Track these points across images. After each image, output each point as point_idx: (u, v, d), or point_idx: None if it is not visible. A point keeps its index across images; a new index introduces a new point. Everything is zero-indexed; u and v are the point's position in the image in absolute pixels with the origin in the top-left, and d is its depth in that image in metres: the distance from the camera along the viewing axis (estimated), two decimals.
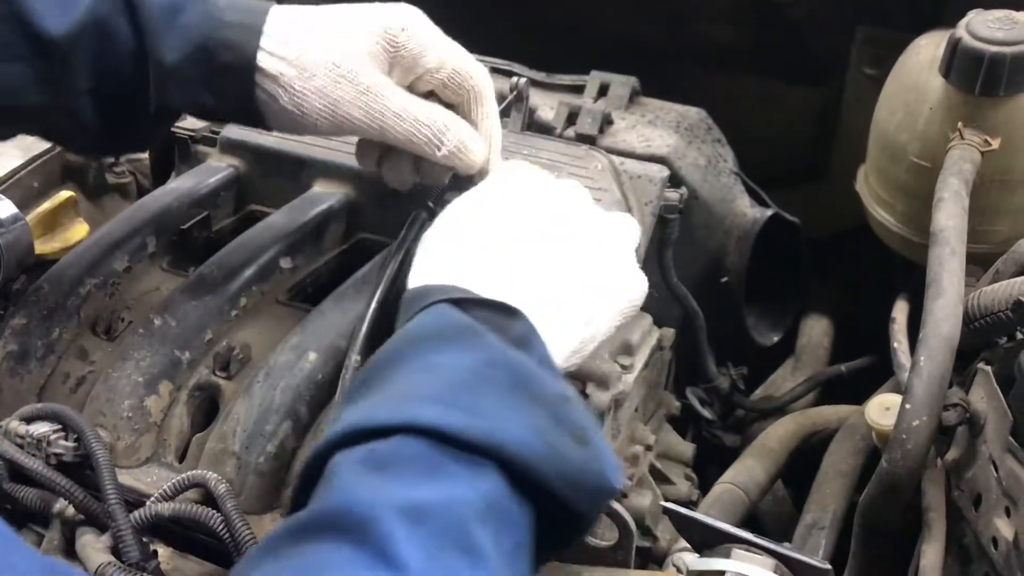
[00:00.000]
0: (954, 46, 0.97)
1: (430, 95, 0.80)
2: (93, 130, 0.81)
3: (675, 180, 1.10)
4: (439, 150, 0.79)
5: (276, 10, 0.78)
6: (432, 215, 0.78)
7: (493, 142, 0.82)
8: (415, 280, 0.68)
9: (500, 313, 0.63)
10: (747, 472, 1.10)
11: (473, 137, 0.80)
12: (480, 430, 0.55)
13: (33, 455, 0.80)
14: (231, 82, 0.77)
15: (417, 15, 0.79)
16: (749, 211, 1.21)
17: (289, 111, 0.78)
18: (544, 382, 0.60)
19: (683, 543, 0.89)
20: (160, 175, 1.21)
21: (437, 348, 0.60)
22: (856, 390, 1.22)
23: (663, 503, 0.76)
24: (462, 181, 0.83)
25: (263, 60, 0.76)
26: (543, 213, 0.73)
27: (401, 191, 0.88)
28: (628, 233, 0.78)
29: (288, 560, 0.51)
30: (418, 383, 0.58)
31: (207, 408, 0.87)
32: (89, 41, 0.76)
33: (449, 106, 0.81)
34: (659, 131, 1.15)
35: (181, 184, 1.06)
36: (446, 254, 0.69)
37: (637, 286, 0.77)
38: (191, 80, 0.78)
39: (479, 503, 0.53)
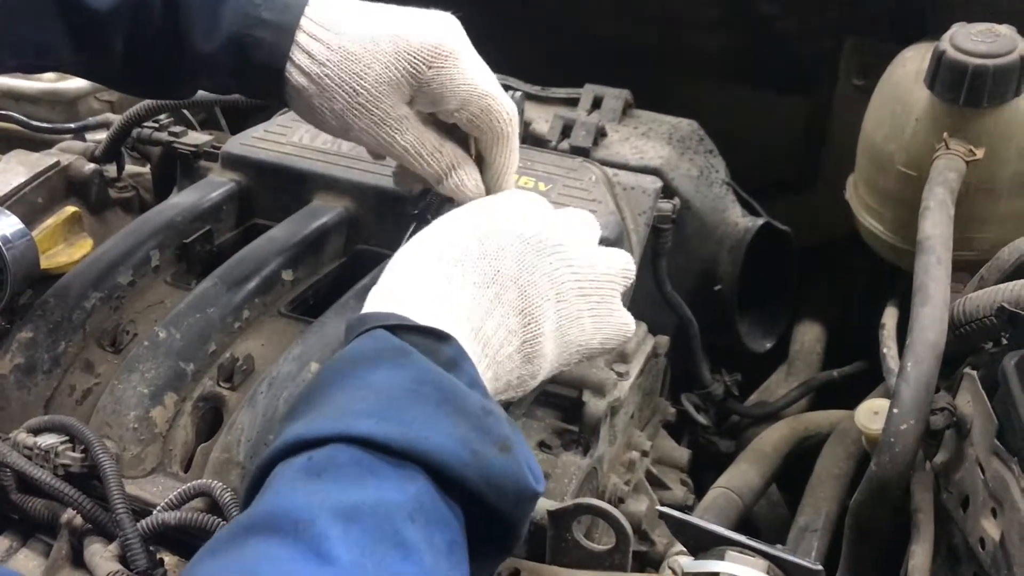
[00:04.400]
0: (939, 58, 1.00)
1: (453, 125, 0.80)
2: (122, 84, 0.89)
3: (668, 191, 1.12)
4: (439, 184, 0.81)
5: (312, 9, 0.77)
6: (421, 223, 0.78)
7: (504, 180, 0.82)
8: (368, 305, 0.71)
9: (431, 338, 0.66)
10: (742, 476, 1.11)
11: (475, 179, 0.81)
12: (407, 438, 0.59)
13: (41, 466, 0.81)
14: (260, 79, 0.79)
15: (451, 44, 0.76)
16: (741, 220, 1.23)
17: (307, 117, 0.80)
18: (469, 398, 0.63)
19: (679, 546, 0.90)
20: (162, 190, 1.23)
21: (371, 367, 0.63)
22: (848, 395, 1.23)
23: (659, 507, 0.77)
24: None
25: (290, 70, 0.77)
26: (516, 245, 0.73)
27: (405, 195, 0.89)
28: (618, 272, 0.79)
29: (227, 558, 0.54)
30: (353, 399, 0.62)
31: (211, 419, 0.89)
32: (127, 18, 0.78)
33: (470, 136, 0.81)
34: (652, 143, 1.17)
35: (184, 199, 1.08)
36: (399, 281, 0.71)
37: (613, 328, 0.78)
38: (222, 70, 0.80)
39: (408, 504, 0.57)
